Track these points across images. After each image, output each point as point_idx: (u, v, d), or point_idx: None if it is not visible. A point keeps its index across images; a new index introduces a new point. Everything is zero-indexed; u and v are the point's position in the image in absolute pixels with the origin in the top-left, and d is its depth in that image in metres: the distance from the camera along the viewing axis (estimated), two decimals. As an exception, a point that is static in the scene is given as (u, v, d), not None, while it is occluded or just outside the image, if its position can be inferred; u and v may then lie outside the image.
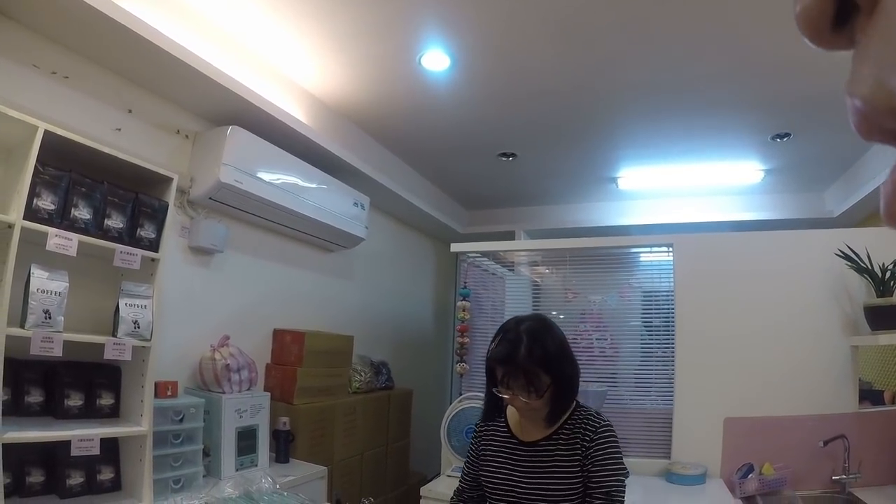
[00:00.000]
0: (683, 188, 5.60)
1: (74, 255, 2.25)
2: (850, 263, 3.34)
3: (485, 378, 2.11)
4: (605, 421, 2.07)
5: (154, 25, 2.59)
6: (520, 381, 1.94)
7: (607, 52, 3.27)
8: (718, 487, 3.37)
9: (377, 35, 3.18)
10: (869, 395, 3.76)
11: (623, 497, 1.97)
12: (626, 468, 2.04)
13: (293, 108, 3.69)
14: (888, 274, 3.23)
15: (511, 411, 2.17)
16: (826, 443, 3.29)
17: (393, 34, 3.17)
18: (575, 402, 2.12)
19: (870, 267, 3.28)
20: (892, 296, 3.23)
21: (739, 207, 5.78)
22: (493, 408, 2.19)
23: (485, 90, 3.77)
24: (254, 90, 3.26)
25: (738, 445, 3.54)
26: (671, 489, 3.39)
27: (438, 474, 3.73)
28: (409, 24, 3.09)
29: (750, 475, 3.36)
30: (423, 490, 3.37)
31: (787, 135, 4.28)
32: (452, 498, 2.29)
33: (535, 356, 1.93)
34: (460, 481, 2.29)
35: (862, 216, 5.15)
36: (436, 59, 3.39)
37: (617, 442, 2.04)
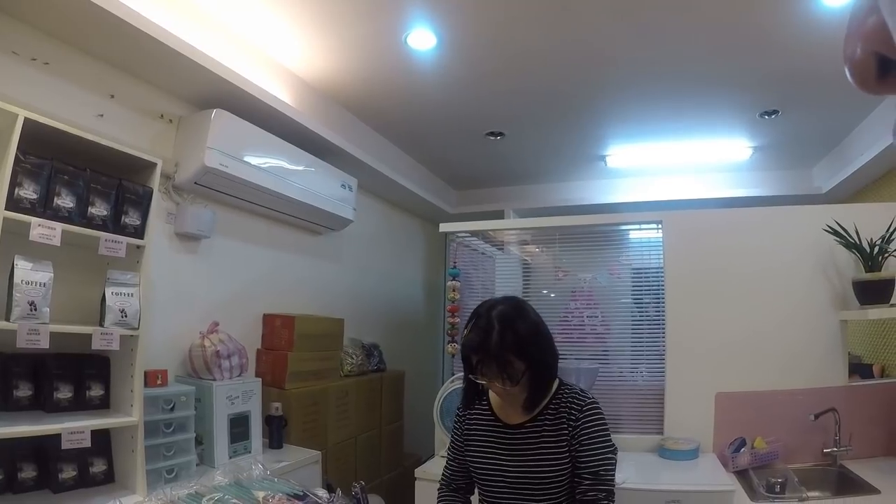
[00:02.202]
0: (672, 166, 5.60)
1: (58, 244, 2.21)
2: (838, 239, 3.34)
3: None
4: (590, 398, 2.05)
5: (135, 9, 2.53)
6: (493, 368, 1.91)
7: (594, 29, 3.24)
8: (711, 462, 3.39)
9: (362, 14, 3.13)
10: (858, 368, 3.80)
11: (612, 475, 1.96)
12: (614, 445, 2.01)
13: (278, 90, 3.64)
14: (876, 249, 3.24)
15: (493, 394, 2.14)
16: (817, 416, 3.31)
17: (378, 13, 3.13)
18: (558, 381, 2.10)
19: (858, 242, 3.29)
20: (880, 270, 3.25)
21: (728, 184, 5.79)
22: (473, 393, 2.16)
23: (471, 69, 3.73)
24: (238, 72, 3.21)
25: (730, 420, 3.55)
26: (664, 464, 3.41)
27: (433, 455, 3.74)
28: (395, 2, 3.04)
29: (742, 449, 3.37)
30: (418, 471, 3.38)
31: (776, 112, 4.28)
32: (442, 487, 2.27)
33: (508, 343, 1.89)
34: (447, 468, 2.26)
35: (850, 192, 5.18)
36: (422, 38, 3.35)
37: (604, 419, 2.02)
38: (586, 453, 1.95)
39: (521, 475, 2.01)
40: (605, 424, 2.01)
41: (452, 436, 2.27)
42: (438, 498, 2.25)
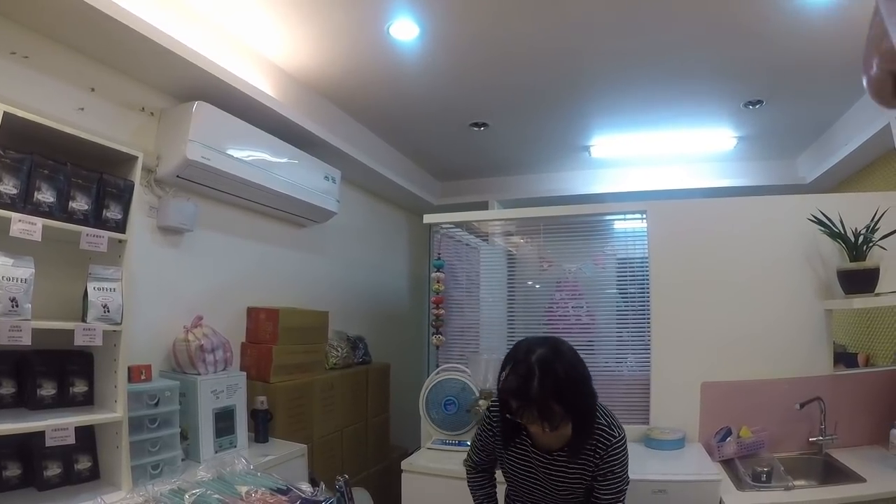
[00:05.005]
0: (656, 156, 5.61)
1: (39, 239, 2.18)
2: (823, 228, 3.36)
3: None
4: (618, 435, 2.15)
5: (115, 1, 2.50)
6: (534, 414, 1.96)
7: (579, 20, 3.23)
8: (697, 451, 3.40)
9: (344, 4, 3.10)
10: (843, 357, 3.82)
11: (624, 499, 2.18)
12: (628, 477, 2.19)
13: (261, 82, 3.61)
14: (861, 238, 3.25)
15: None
16: (802, 405, 3.34)
17: (360, 3, 3.10)
18: None
19: (843, 232, 3.30)
20: (864, 260, 3.26)
21: (712, 174, 5.81)
22: (512, 431, 2.24)
23: (455, 60, 3.71)
24: (220, 64, 3.18)
25: (716, 409, 3.57)
26: (650, 454, 3.42)
27: (419, 447, 3.73)
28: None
29: (728, 438, 3.39)
30: (404, 464, 3.37)
31: (760, 102, 4.29)
32: (469, 469, 2.47)
33: (548, 390, 1.93)
34: (474, 454, 2.44)
35: (834, 183, 5.21)
36: (404, 28, 3.33)
37: (626, 455, 2.16)
38: (606, 488, 2.13)
39: (550, 489, 2.21)
40: (626, 461, 2.16)
41: (482, 433, 2.38)
42: (469, 478, 2.48)
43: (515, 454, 2.26)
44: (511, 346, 2.16)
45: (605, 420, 2.16)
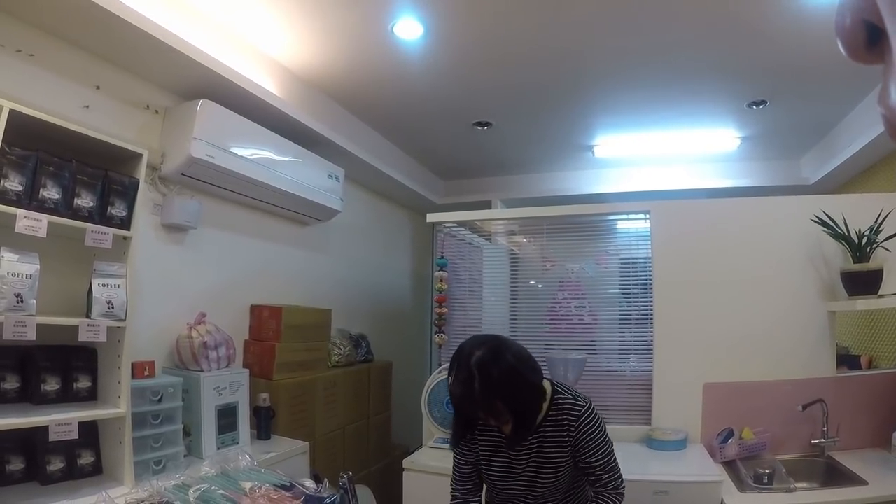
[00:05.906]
0: (660, 155, 5.60)
1: (45, 236, 2.19)
2: (826, 229, 3.35)
3: None
4: (585, 404, 2.21)
5: (120, -1, 2.52)
6: (479, 414, 2.10)
7: (582, 19, 3.23)
8: (699, 452, 3.40)
9: (348, 3, 3.11)
10: (846, 359, 3.81)
11: (616, 459, 2.23)
12: (610, 438, 2.23)
13: (265, 80, 3.62)
14: (864, 240, 3.24)
15: None
16: (805, 407, 3.33)
17: (364, 2, 3.11)
18: (551, 389, 2.24)
19: (846, 233, 3.29)
20: (868, 261, 3.26)
21: (716, 174, 5.81)
22: (464, 430, 2.30)
23: (459, 59, 3.72)
24: (224, 63, 3.19)
25: (718, 410, 3.57)
26: (652, 455, 3.42)
27: (421, 446, 3.74)
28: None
29: (730, 440, 3.39)
30: (406, 462, 3.38)
31: (764, 102, 4.29)
32: (455, 491, 2.40)
33: (486, 391, 2.02)
34: (457, 473, 2.40)
35: (838, 184, 5.20)
36: (409, 28, 3.33)
37: (599, 419, 2.22)
38: (595, 456, 2.17)
39: (529, 477, 2.22)
40: (601, 424, 2.21)
41: (460, 451, 2.38)
42: (452, 499, 2.41)
43: (492, 454, 2.28)
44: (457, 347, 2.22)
45: (568, 394, 2.24)
